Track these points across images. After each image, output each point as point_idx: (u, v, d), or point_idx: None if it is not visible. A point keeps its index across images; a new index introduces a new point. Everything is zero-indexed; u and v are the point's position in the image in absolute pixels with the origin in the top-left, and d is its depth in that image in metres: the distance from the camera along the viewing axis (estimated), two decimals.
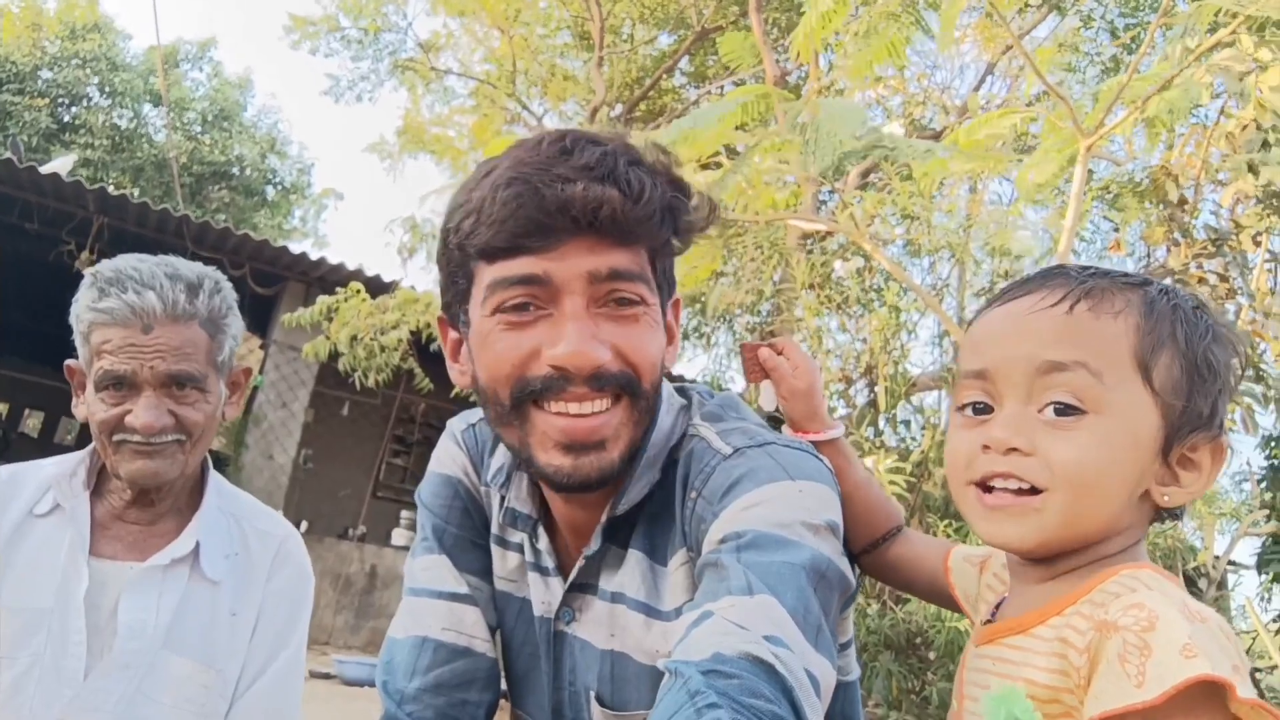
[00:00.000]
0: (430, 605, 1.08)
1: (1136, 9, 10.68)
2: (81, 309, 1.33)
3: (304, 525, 10.99)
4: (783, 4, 11.29)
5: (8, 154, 9.02)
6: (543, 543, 1.05)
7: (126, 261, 1.35)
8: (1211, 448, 0.83)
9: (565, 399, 0.88)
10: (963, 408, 0.87)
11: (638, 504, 0.97)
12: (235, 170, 19.68)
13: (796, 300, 6.03)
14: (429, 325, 7.18)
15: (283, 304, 10.55)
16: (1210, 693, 0.68)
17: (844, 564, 0.85)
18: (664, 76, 13.18)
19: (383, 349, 6.72)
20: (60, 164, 11.46)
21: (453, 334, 1.02)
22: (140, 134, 18.59)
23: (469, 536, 1.12)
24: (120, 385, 1.31)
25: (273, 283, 10.65)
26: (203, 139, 18.95)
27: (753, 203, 5.44)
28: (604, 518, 0.97)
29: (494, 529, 1.12)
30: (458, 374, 1.02)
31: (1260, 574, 5.67)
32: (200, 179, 18.84)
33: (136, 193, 13.96)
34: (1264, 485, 5.75)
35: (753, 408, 1.11)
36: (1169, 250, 5.04)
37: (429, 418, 12.58)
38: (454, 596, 1.08)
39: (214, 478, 1.50)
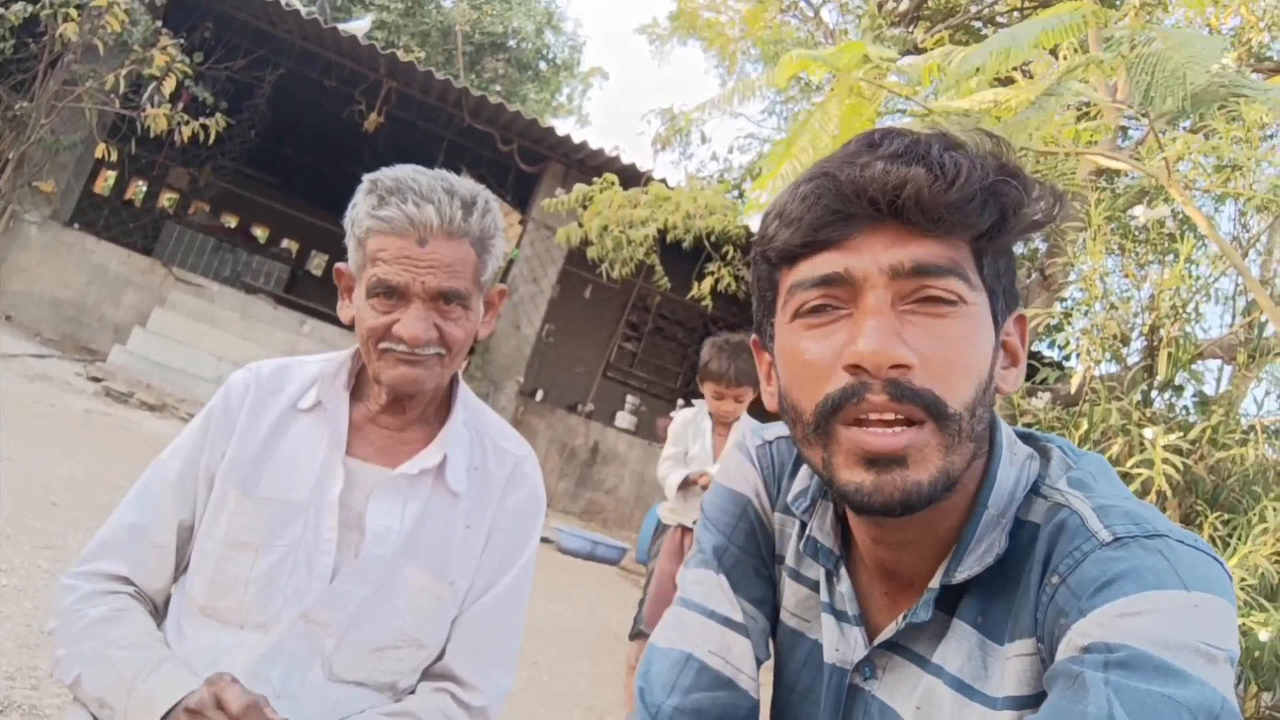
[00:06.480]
0: (700, 623, 1.00)
1: None
2: (360, 214, 1.34)
3: (539, 394, 11.62)
4: None
5: (315, 12, 9.69)
6: (843, 585, 0.93)
7: (405, 172, 1.35)
8: None
9: (864, 407, 0.78)
10: None
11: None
12: (511, 43, 20.28)
13: (1076, 241, 5.44)
14: (675, 225, 7.16)
15: (543, 182, 10.93)
16: None
17: (1237, 707, 0.69)
18: None
19: (629, 242, 6.77)
20: (358, 26, 12.24)
21: (766, 357, 0.95)
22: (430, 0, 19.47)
23: (751, 562, 1.03)
24: (391, 295, 1.32)
25: (537, 161, 11.01)
26: (485, 9, 19.56)
27: (1043, 129, 4.89)
28: (937, 585, 0.84)
29: (789, 559, 1.02)
30: (769, 397, 0.94)
31: None
32: (479, 49, 19.56)
33: (423, 57, 14.71)
34: None
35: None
36: None
37: (663, 309, 12.78)
38: (726, 621, 0.99)
39: (462, 391, 1.51)
